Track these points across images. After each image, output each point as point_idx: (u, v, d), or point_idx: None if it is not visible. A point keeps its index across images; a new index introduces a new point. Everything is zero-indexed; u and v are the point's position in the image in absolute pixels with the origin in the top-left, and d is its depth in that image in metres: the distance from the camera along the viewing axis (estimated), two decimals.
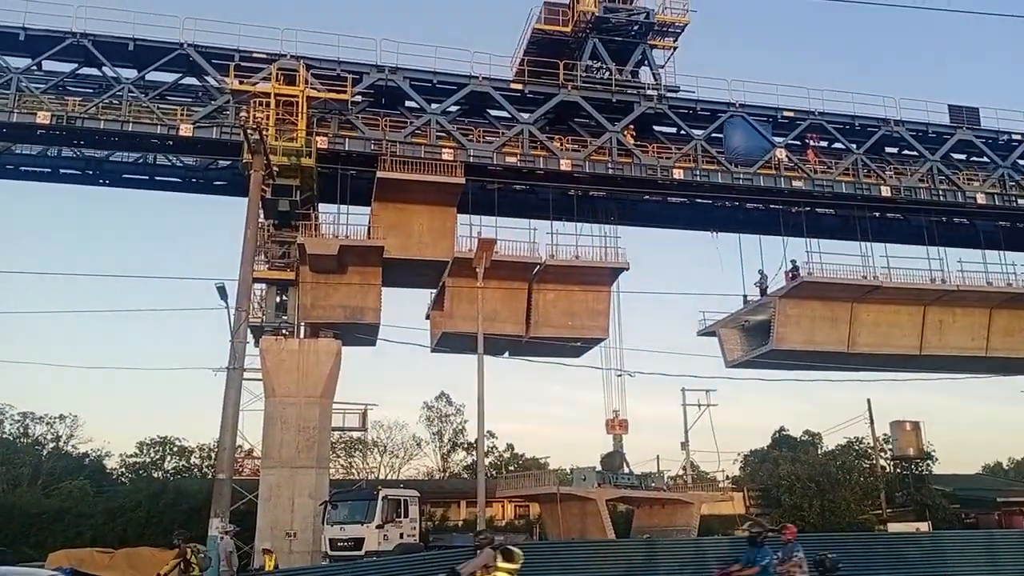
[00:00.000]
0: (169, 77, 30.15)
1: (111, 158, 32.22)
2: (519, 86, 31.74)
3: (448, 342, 32.46)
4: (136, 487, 42.75)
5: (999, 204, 35.42)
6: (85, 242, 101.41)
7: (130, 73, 29.23)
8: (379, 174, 29.07)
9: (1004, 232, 38.25)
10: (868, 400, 45.15)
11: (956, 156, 36.15)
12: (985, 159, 35.98)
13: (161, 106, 29.12)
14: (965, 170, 35.78)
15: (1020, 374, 40.82)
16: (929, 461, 49.19)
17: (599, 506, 33.84)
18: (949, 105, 35.87)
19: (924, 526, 36.34)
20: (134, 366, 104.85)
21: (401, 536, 25.39)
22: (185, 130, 28.55)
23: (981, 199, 34.99)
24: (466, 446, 60.99)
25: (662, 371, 67.09)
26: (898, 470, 48.28)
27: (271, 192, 27.69)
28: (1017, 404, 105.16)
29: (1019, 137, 35.96)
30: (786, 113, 33.73)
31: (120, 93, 28.57)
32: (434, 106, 30.84)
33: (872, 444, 47.59)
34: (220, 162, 32.08)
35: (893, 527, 34.89)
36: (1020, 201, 35.54)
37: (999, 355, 35.94)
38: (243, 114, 27.73)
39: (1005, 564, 21.18)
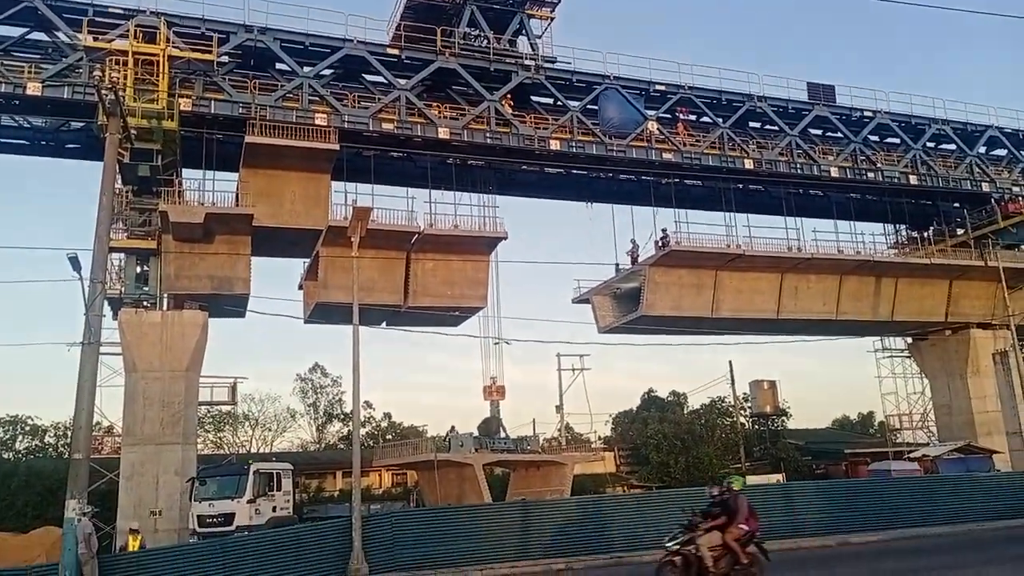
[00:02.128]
0: (15, 31, 27.83)
1: None
2: (396, 51, 31.13)
3: (323, 313, 31.84)
4: None
5: (850, 177, 37.90)
6: None
7: None
8: (248, 139, 27.95)
9: (855, 203, 41.06)
10: (730, 362, 47.81)
11: (813, 131, 38.32)
12: (839, 134, 38.29)
13: (5, 62, 26.85)
14: (821, 145, 38.00)
15: (866, 335, 44.22)
16: (784, 417, 52.78)
17: (476, 471, 34.28)
18: (808, 83, 37.97)
19: (779, 477, 38.97)
20: None
21: (274, 510, 24.97)
22: (33, 89, 26.44)
23: (835, 172, 37.32)
24: (342, 417, 60.31)
25: (538, 338, 68.39)
26: (756, 426, 51.51)
27: (129, 156, 25.81)
28: (863, 363, 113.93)
29: (870, 114, 38.50)
30: (658, 87, 34.69)
31: None
32: (307, 69, 29.87)
33: (733, 403, 50.37)
34: (73, 124, 29.89)
35: (751, 479, 37.10)
36: (870, 175, 38.15)
37: (847, 318, 38.68)
38: (97, 73, 25.84)
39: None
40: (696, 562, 12.68)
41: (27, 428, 50.68)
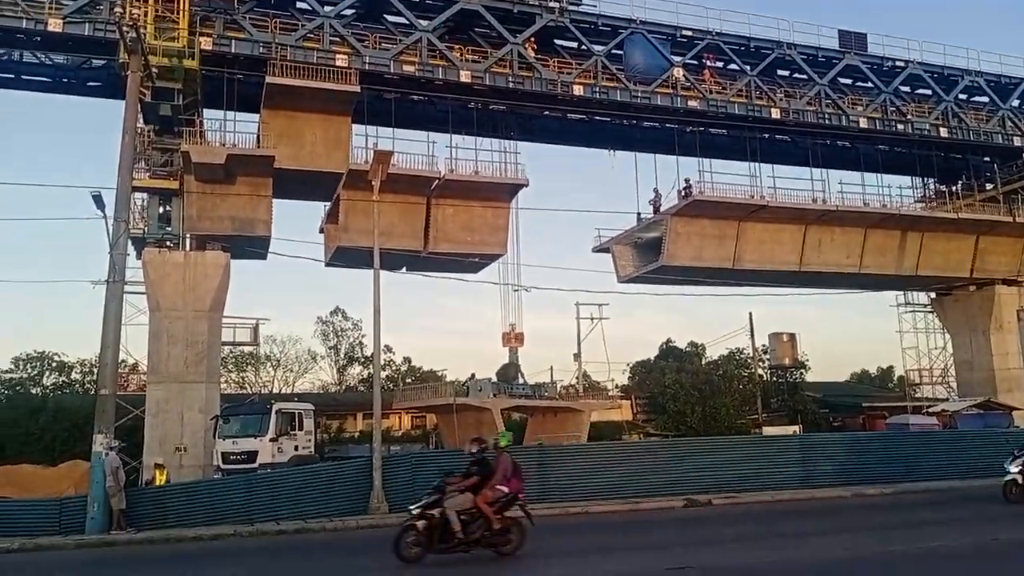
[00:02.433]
0: None
1: None
2: None
3: (343, 256, 31.93)
4: (12, 403, 40.82)
5: (880, 128, 37.11)
6: None
7: None
8: (268, 79, 27.69)
9: (883, 155, 40.29)
10: (750, 314, 47.61)
11: (843, 80, 37.43)
12: (870, 84, 37.39)
13: None
14: (850, 94, 37.15)
15: (889, 289, 43.85)
16: (803, 370, 52.63)
17: (494, 415, 34.68)
18: (839, 30, 36.93)
19: (796, 429, 39.09)
20: (5, 279, 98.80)
21: (296, 449, 25.43)
22: (54, 25, 26.21)
23: (864, 123, 36.54)
24: (362, 360, 60.94)
25: (557, 286, 68.38)
26: (774, 378, 51.44)
27: (151, 95, 26.01)
28: (886, 317, 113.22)
29: (902, 64, 37.48)
30: (685, 32, 33.89)
31: None
32: (327, 8, 29.42)
33: (751, 354, 50.32)
34: (94, 61, 29.74)
35: (768, 430, 37.32)
36: (899, 126, 37.33)
37: (871, 272, 38.32)
38: (118, 10, 25.62)
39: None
40: (441, 526, 11.71)
41: (54, 364, 51.70)
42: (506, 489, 11.99)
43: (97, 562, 10.50)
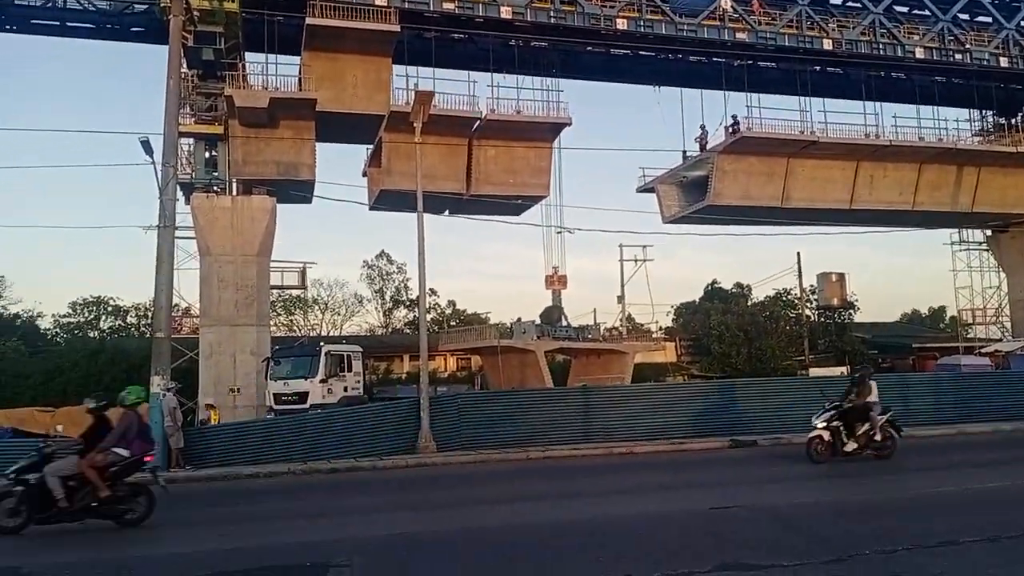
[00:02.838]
0: None
1: (16, 1, 29.62)
2: None
3: (387, 200, 32.00)
4: (72, 347, 42.34)
5: (937, 59, 35.59)
6: None
7: None
8: (308, 21, 27.50)
9: (939, 87, 38.72)
10: (798, 253, 46.75)
11: (898, 9, 35.87)
12: (926, 12, 35.74)
13: None
14: (906, 23, 35.60)
15: (943, 227, 42.69)
16: (852, 310, 51.80)
17: (538, 357, 34.94)
18: None
19: (843, 370, 38.68)
20: (61, 224, 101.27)
21: (345, 390, 25.97)
22: None
23: (920, 53, 35.07)
24: (408, 303, 61.68)
25: (601, 228, 67.79)
26: (822, 319, 50.75)
27: (193, 40, 26.01)
28: (938, 256, 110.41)
29: None
30: None
31: None
32: None
33: (799, 295, 49.64)
34: (136, 6, 29.79)
35: (814, 371, 37.02)
36: (957, 56, 35.77)
37: (924, 209, 37.27)
38: None
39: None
40: (40, 494, 10.21)
41: (109, 308, 53.28)
42: (125, 452, 10.48)
43: (158, 499, 10.85)
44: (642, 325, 50.33)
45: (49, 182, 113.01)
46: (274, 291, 34.61)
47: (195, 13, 24.25)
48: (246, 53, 29.29)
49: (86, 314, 53.57)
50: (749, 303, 55.13)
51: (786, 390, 23.46)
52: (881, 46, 34.60)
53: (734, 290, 61.50)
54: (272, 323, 39.23)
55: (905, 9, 36.23)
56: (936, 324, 71.96)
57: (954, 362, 35.74)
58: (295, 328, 57.46)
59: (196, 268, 28.67)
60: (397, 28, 28.51)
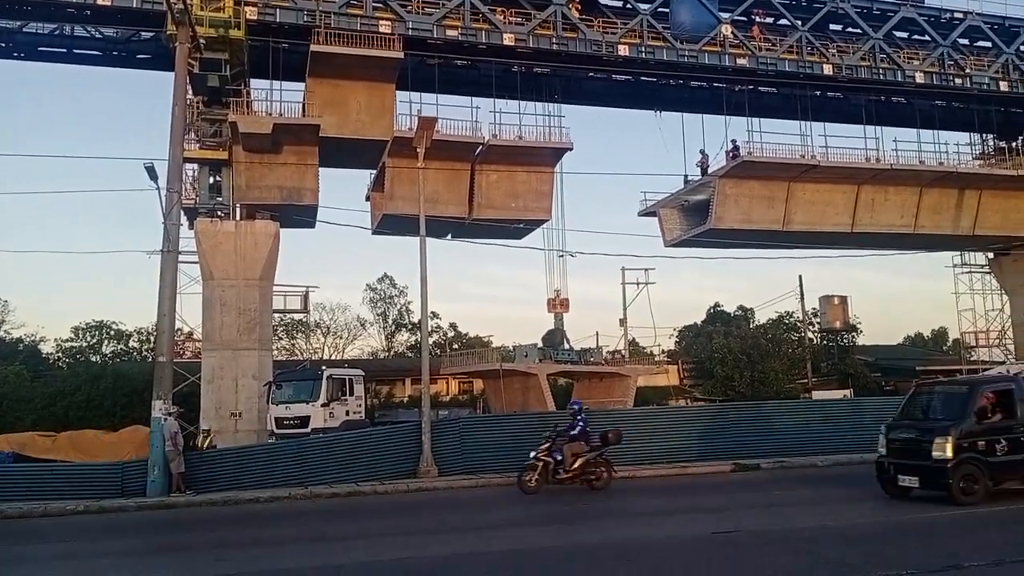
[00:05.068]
0: None
1: (24, 29, 29.98)
2: None
3: (389, 224, 32.12)
4: (74, 371, 42.26)
5: (937, 83, 35.78)
6: (2, 120, 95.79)
7: None
8: (313, 48, 27.76)
9: (939, 111, 38.87)
10: (800, 276, 46.83)
11: (898, 34, 36.12)
12: (926, 38, 36.04)
13: None
14: (906, 49, 35.88)
15: (945, 250, 42.69)
16: (854, 333, 51.73)
17: (540, 380, 34.88)
18: None
19: (846, 393, 38.56)
20: (64, 249, 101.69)
21: (347, 413, 25.94)
22: None
23: (920, 78, 35.27)
24: (410, 326, 61.70)
25: (603, 251, 67.99)
26: (824, 342, 50.66)
27: (199, 67, 26.22)
28: (940, 279, 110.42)
29: (960, 16, 36.04)
30: None
31: None
32: None
33: (801, 318, 49.58)
34: (143, 34, 30.11)
35: (817, 395, 36.88)
36: (957, 81, 36.00)
37: (926, 232, 37.27)
38: None
39: None
40: None
41: (112, 333, 53.27)
42: None
43: (159, 523, 10.82)
44: (644, 348, 50.31)
45: (53, 206, 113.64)
46: (276, 315, 34.65)
47: (201, 40, 24.45)
48: (251, 79, 29.53)
49: (88, 338, 53.59)
50: (752, 326, 55.07)
51: (789, 413, 23.42)
52: (881, 71, 34.84)
53: (737, 313, 61.47)
54: (275, 347, 39.24)
55: (904, 35, 36.51)
56: (939, 347, 71.77)
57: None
58: (297, 352, 57.46)
59: (199, 292, 28.71)
60: (401, 55, 28.76)
